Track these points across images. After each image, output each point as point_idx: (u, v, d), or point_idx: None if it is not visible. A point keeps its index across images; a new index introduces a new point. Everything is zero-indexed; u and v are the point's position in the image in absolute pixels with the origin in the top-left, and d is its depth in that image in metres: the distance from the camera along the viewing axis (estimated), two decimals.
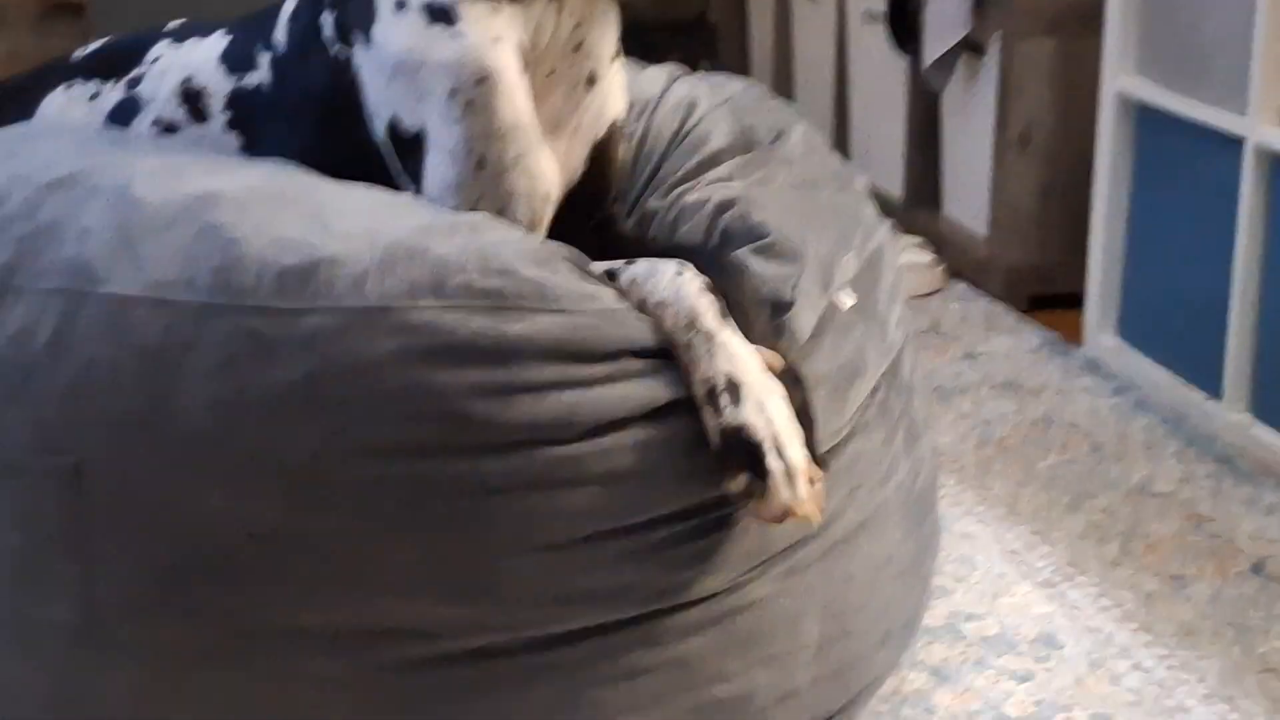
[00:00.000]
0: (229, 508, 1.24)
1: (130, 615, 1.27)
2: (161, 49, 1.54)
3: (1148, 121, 2.38)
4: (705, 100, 1.70)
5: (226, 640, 1.27)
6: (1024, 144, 2.67)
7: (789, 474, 1.25)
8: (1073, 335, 2.56)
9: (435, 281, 1.24)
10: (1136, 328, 2.44)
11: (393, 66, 1.36)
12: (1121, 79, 2.39)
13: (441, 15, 1.35)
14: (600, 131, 1.46)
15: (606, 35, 1.43)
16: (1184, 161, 2.30)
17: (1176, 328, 2.35)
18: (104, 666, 1.29)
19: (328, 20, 1.41)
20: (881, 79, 3.10)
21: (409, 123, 1.37)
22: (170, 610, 1.26)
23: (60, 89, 1.56)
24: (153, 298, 1.25)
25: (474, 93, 1.34)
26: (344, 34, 1.40)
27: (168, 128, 1.50)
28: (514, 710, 1.28)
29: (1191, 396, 2.27)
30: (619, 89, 1.48)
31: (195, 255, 1.26)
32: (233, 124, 1.48)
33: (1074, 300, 2.62)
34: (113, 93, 1.54)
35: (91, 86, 1.55)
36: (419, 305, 1.23)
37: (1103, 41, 2.43)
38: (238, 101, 1.47)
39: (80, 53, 1.60)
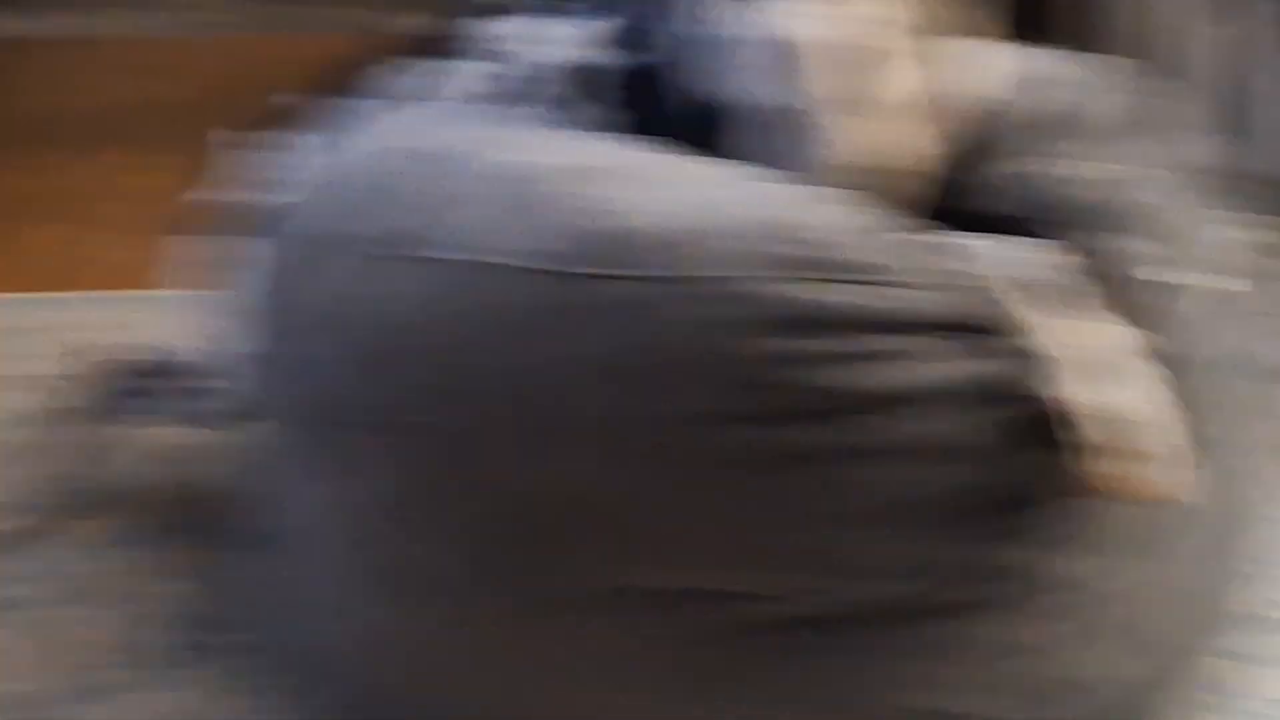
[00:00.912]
0: (557, 473, 1.30)
1: (472, 573, 1.34)
2: (511, 30, 1.58)
3: None
4: (1067, 78, 1.66)
5: (550, 597, 1.33)
6: None
7: (1140, 454, 1.24)
8: None
9: (760, 251, 1.27)
10: None
11: (719, 40, 1.40)
12: None
13: None
14: (953, 109, 1.47)
15: (963, 9, 1.45)
16: None
17: None
18: (449, 622, 1.37)
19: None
20: None
21: (733, 96, 1.41)
22: (506, 569, 1.33)
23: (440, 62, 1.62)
24: (490, 267, 1.31)
25: (800, 61, 1.38)
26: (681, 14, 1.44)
27: (502, 112, 1.54)
28: (832, 679, 1.32)
29: None
30: (976, 67, 1.49)
31: (534, 227, 1.31)
32: (572, 103, 1.52)
33: None
34: (482, 72, 1.58)
35: (465, 65, 1.60)
36: (739, 275, 1.26)
37: None
38: (584, 81, 1.52)
39: (460, 28, 1.65)
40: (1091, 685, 1.37)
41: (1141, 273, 1.37)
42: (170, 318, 2.49)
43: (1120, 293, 1.33)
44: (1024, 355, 1.27)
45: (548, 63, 1.55)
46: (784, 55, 1.39)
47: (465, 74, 1.60)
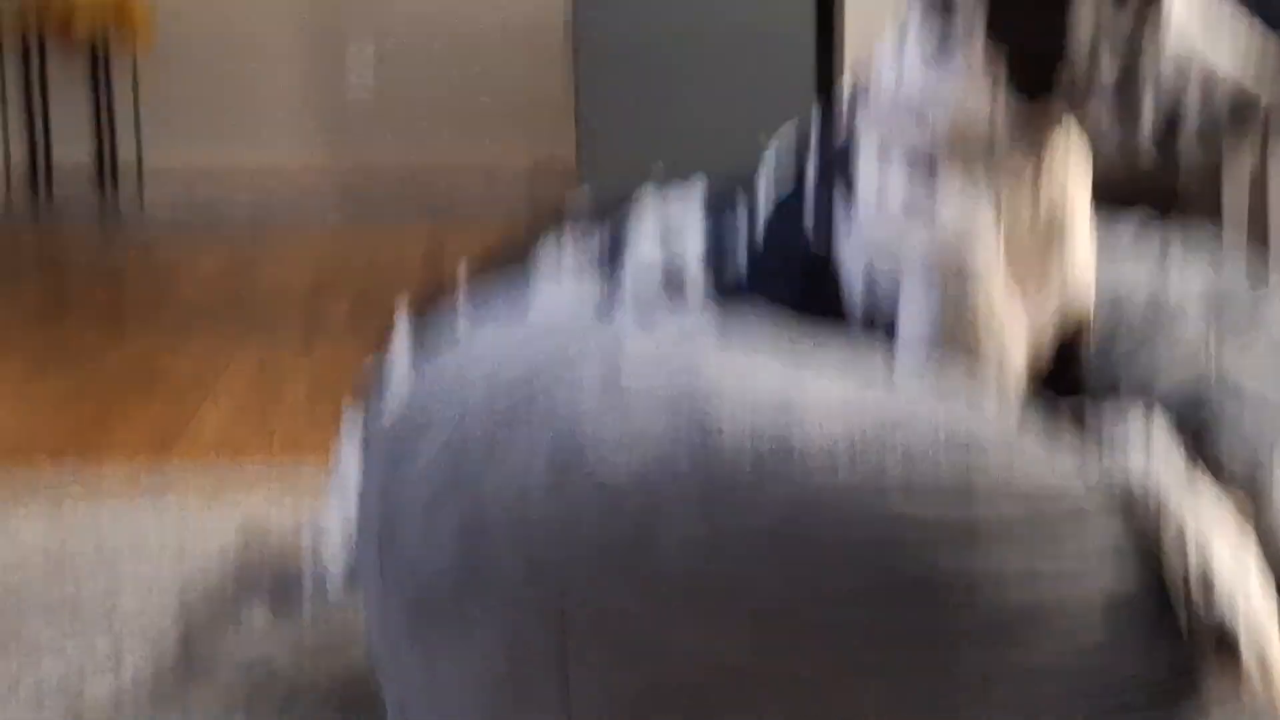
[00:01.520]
0: (701, 643, 1.33)
1: None
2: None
3: None
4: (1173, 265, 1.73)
5: None
6: None
7: (1267, 674, 1.26)
8: None
9: (904, 466, 1.30)
10: None
11: (871, 226, 1.44)
12: None
13: (922, 185, 1.43)
14: (1069, 325, 1.51)
15: (1080, 215, 1.48)
16: None
17: None
18: None
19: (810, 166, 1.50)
20: None
21: (885, 273, 1.45)
22: None
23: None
24: (636, 458, 1.35)
25: (948, 280, 1.42)
26: (825, 178, 1.48)
27: (647, 301, 1.58)
28: None
29: None
30: (1089, 277, 1.52)
31: (674, 420, 1.35)
32: (715, 292, 1.56)
33: None
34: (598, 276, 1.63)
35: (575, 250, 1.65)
36: (891, 487, 1.30)
37: None
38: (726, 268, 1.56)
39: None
40: None
41: (1249, 456, 1.40)
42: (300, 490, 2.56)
43: (1231, 475, 1.37)
44: (1177, 530, 1.30)
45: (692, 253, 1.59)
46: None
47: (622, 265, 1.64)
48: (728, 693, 1.33)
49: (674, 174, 1.71)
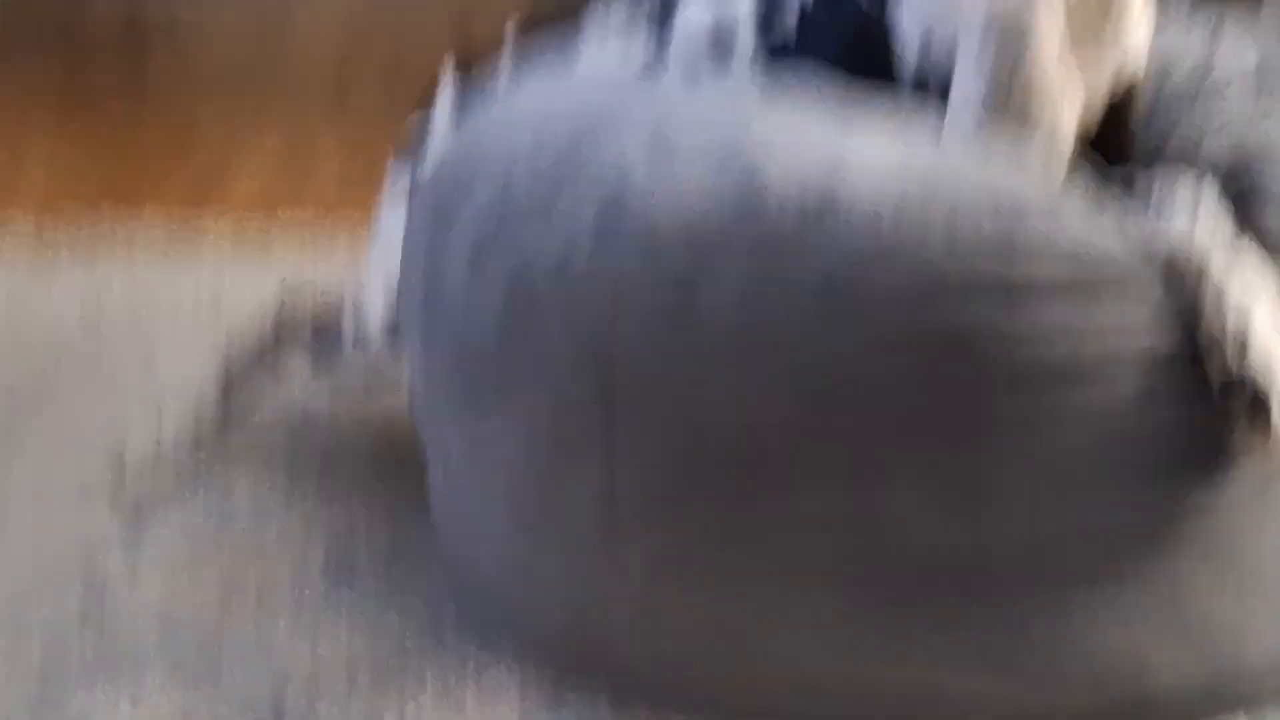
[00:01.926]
0: (745, 399, 1.34)
1: (648, 496, 1.39)
2: None
3: None
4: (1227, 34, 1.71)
5: (732, 522, 1.37)
6: None
7: None
8: None
9: (949, 222, 1.30)
10: None
11: None
12: None
13: None
14: (1119, 90, 1.50)
15: None
16: None
17: None
18: (619, 542, 1.41)
19: None
20: None
21: (940, 34, 1.43)
22: (683, 493, 1.38)
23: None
24: (683, 213, 1.35)
25: (1006, 40, 1.40)
26: None
27: (695, 61, 1.58)
28: (998, 617, 1.36)
29: None
30: (1142, 44, 1.50)
31: (721, 181, 1.35)
32: (766, 51, 1.56)
33: None
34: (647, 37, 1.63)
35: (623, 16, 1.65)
36: (934, 243, 1.30)
37: None
38: (774, 30, 1.56)
39: None
40: (1234, 625, 1.41)
41: None
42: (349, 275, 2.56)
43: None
44: (1201, 326, 1.32)
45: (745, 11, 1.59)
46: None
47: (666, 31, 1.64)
48: (770, 450, 1.35)
49: None
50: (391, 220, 1.75)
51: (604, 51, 1.65)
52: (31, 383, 2.13)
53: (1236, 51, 1.68)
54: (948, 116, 1.44)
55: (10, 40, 4.14)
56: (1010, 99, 1.42)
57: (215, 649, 1.57)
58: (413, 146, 1.75)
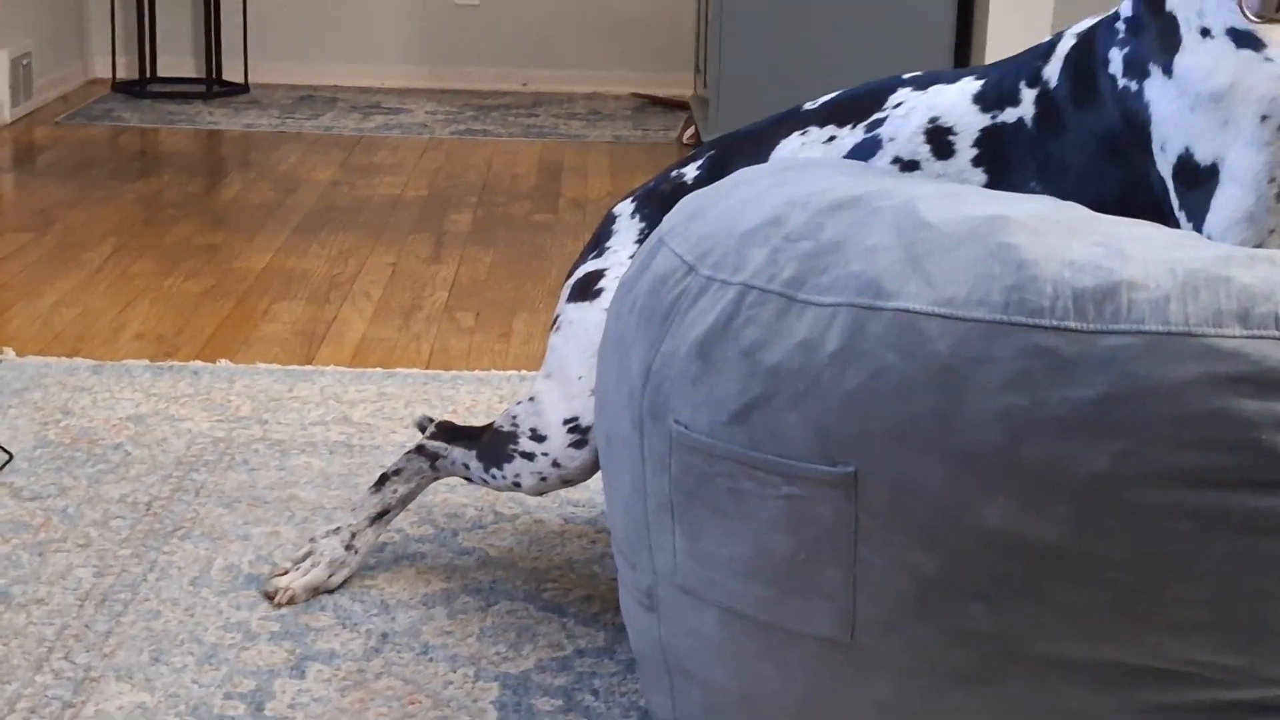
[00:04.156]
0: (1008, 525, 1.23)
1: (891, 627, 1.28)
2: (904, 95, 1.60)
3: None
4: None
5: (986, 661, 1.26)
6: None
7: None
8: None
9: (1241, 309, 1.22)
10: None
11: (1195, 94, 1.36)
12: None
13: (1248, 41, 1.35)
14: None
15: None
16: None
17: None
18: (857, 677, 1.30)
19: (1116, 55, 1.43)
20: None
21: (1202, 154, 1.36)
22: (933, 625, 1.27)
23: (795, 135, 1.64)
24: (943, 313, 1.26)
25: None
26: (1135, 67, 1.41)
27: (907, 165, 1.55)
28: None
29: None
30: None
31: (987, 274, 1.27)
32: (979, 160, 1.52)
33: None
34: (850, 136, 1.60)
35: (828, 131, 1.62)
36: (1224, 333, 1.21)
37: None
38: (989, 138, 1.51)
39: (810, 104, 1.68)
40: None
41: None
42: (458, 391, 2.52)
43: None
44: None
45: (910, 125, 1.56)
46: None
47: (819, 142, 1.61)
48: (1032, 582, 1.23)
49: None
50: (579, 319, 1.70)
51: (805, 151, 1.60)
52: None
53: None
54: (1211, 222, 1.36)
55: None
56: None
57: None
58: (587, 281, 1.72)
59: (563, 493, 2.11)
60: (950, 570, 1.25)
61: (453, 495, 2.13)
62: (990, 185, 1.51)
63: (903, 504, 1.26)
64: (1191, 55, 1.37)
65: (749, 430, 1.32)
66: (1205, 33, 1.36)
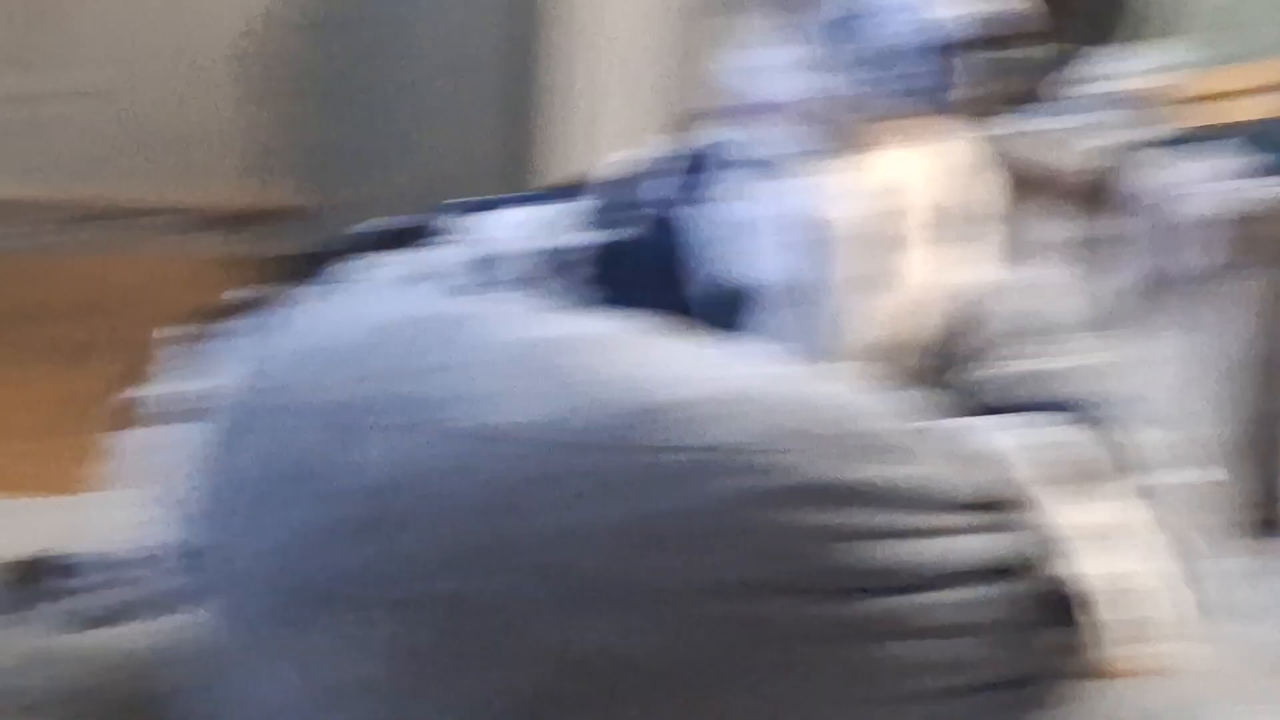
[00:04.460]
0: (574, 636, 1.25)
1: None
2: (473, 219, 1.60)
3: None
4: (1038, 281, 1.76)
5: None
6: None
7: (1125, 634, 1.29)
8: None
9: (792, 424, 1.27)
10: None
11: (736, 220, 1.42)
12: None
13: (788, 169, 1.41)
14: (955, 293, 1.51)
15: (979, 194, 1.50)
16: None
17: None
18: None
19: (669, 184, 1.49)
20: None
21: (748, 275, 1.42)
22: None
23: (361, 258, 1.62)
24: (506, 434, 1.28)
25: (821, 240, 1.41)
26: (686, 195, 1.47)
27: (473, 288, 1.56)
28: None
29: None
30: (986, 253, 1.53)
31: (548, 393, 1.30)
32: (546, 281, 1.54)
33: None
34: (415, 261, 1.60)
35: (390, 257, 1.61)
36: (776, 447, 1.26)
37: None
38: (556, 260, 1.54)
39: (365, 228, 1.66)
40: None
41: (1132, 455, 1.42)
42: (92, 518, 2.42)
43: (1112, 472, 1.38)
44: (1041, 533, 1.31)
45: (512, 247, 1.57)
46: (805, 233, 1.42)
47: (427, 261, 1.61)
48: (596, 693, 1.26)
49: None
50: (151, 446, 1.65)
51: (367, 276, 1.60)
52: None
53: (1066, 291, 1.73)
54: (764, 329, 1.43)
55: None
56: (824, 320, 1.42)
57: None
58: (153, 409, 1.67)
59: None
60: (530, 683, 1.26)
61: None
62: (557, 306, 1.52)
63: (473, 623, 1.26)
64: (730, 183, 1.44)
65: (321, 561, 1.30)
66: (742, 163, 1.44)
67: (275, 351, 1.43)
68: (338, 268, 1.64)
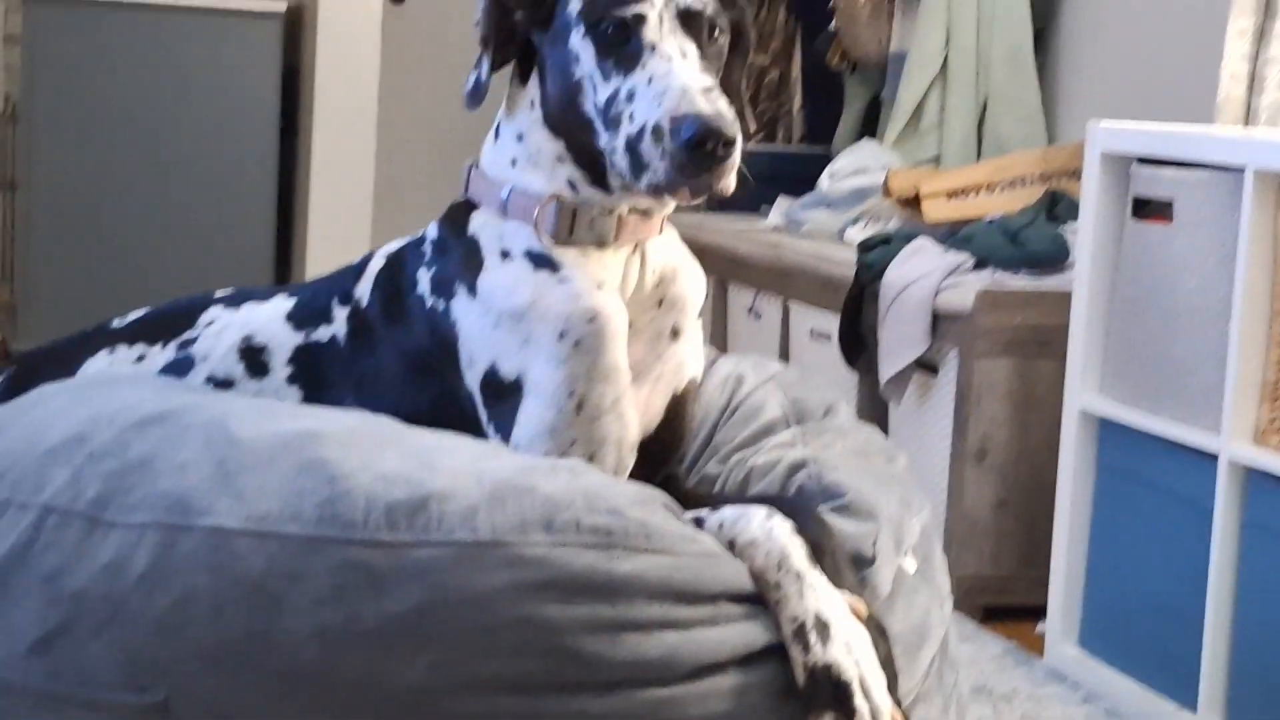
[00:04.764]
0: None
1: None
2: (216, 313, 1.57)
3: (1110, 436, 2.45)
4: (751, 376, 1.76)
5: None
6: (980, 458, 2.75)
7: (875, 715, 1.28)
8: (1029, 645, 2.59)
9: (545, 518, 1.27)
10: (1099, 638, 2.48)
11: (498, 313, 1.41)
12: (1085, 396, 2.48)
13: (545, 262, 1.42)
14: (680, 385, 1.50)
15: (691, 292, 1.50)
16: (1150, 476, 2.37)
17: (1143, 639, 2.38)
18: None
19: (424, 275, 1.47)
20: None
21: (506, 369, 1.41)
22: None
23: (103, 353, 1.58)
24: (256, 530, 1.26)
25: (583, 331, 1.39)
26: (442, 287, 1.45)
27: (222, 383, 1.52)
28: None
29: (1164, 707, 2.30)
30: (698, 346, 1.53)
31: (298, 489, 1.27)
32: (295, 378, 1.51)
33: (1028, 612, 2.67)
34: (161, 354, 1.56)
35: (137, 350, 1.58)
36: (529, 540, 1.26)
37: (1067, 361, 2.52)
38: (304, 355, 1.51)
39: (118, 321, 1.63)
40: None
41: (852, 548, 1.43)
42: None
43: (838, 564, 1.37)
44: (793, 620, 1.30)
45: (223, 343, 1.54)
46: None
47: (129, 361, 1.57)
48: None
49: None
50: None
51: (114, 369, 1.56)
52: None
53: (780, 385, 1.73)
54: (517, 435, 1.41)
55: None
56: (579, 413, 1.40)
57: None
58: None
59: None
60: None
61: None
62: (306, 401, 1.50)
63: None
64: (493, 275, 1.42)
65: (50, 662, 1.26)
66: (505, 254, 1.43)
67: (18, 444, 1.38)
68: (83, 361, 1.59)
